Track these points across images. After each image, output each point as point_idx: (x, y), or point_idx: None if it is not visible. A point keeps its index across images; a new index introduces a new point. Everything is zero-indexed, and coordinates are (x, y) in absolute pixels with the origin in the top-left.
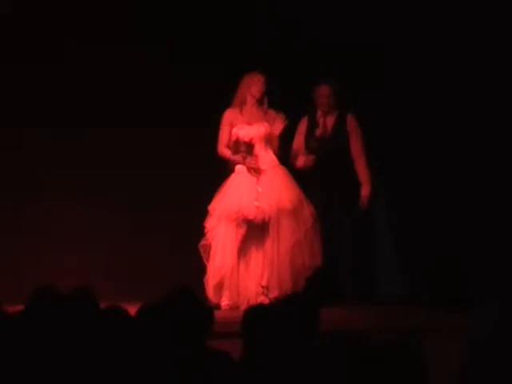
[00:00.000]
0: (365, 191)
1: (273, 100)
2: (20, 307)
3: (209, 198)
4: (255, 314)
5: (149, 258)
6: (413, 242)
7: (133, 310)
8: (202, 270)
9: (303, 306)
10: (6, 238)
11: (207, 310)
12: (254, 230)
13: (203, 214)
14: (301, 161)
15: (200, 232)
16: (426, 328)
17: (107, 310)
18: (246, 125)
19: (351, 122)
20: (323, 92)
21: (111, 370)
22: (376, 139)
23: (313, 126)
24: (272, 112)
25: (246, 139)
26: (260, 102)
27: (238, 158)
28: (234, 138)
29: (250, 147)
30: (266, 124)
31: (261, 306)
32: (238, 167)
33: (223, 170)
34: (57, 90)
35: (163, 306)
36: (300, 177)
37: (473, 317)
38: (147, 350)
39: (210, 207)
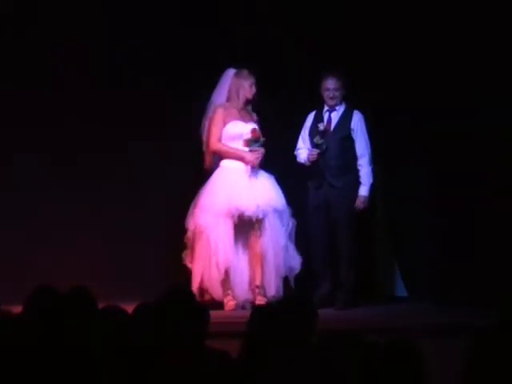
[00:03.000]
0: (362, 191)
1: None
2: (20, 307)
3: None
4: (262, 313)
5: (148, 258)
6: (413, 242)
7: (131, 309)
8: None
9: (301, 306)
10: (5, 238)
11: (202, 308)
12: (242, 229)
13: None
14: (303, 155)
15: None
16: (426, 328)
17: (105, 309)
18: (240, 121)
19: (356, 117)
20: (329, 85)
21: (110, 370)
22: (377, 139)
23: (318, 121)
24: (253, 114)
25: (249, 133)
26: (249, 102)
27: (238, 151)
28: (226, 135)
29: (252, 140)
30: (255, 125)
31: (267, 305)
32: (225, 162)
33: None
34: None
35: (158, 305)
36: (300, 173)
37: (474, 317)
38: (145, 350)
39: (202, 203)
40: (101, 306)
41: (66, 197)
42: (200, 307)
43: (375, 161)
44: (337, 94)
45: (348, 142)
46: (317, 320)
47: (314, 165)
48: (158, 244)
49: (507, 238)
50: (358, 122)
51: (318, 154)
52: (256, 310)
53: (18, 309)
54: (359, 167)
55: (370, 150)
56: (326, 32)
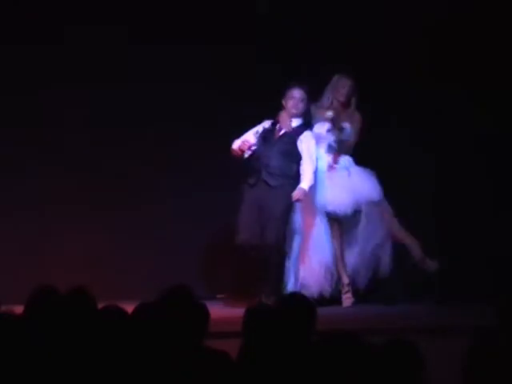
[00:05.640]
0: (303, 185)
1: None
2: (20, 307)
3: (208, 200)
4: (255, 313)
5: (149, 258)
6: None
7: (131, 309)
8: (201, 268)
9: (301, 306)
10: (5, 238)
11: (202, 308)
12: None
13: (204, 214)
14: (238, 142)
15: (199, 231)
16: (426, 328)
17: (105, 309)
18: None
19: (307, 132)
20: (296, 94)
21: (109, 370)
22: (376, 138)
23: (273, 130)
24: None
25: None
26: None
27: None
28: None
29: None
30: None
31: (261, 305)
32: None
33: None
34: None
35: (158, 305)
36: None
37: (474, 317)
38: (145, 350)
39: None
40: (101, 306)
41: (66, 197)
42: (200, 307)
43: (374, 161)
44: (300, 105)
45: (292, 145)
46: (317, 320)
47: (253, 162)
48: (158, 244)
49: (507, 238)
50: (307, 135)
51: (249, 147)
52: (248, 310)
53: (17, 309)
54: (302, 170)
55: (315, 164)
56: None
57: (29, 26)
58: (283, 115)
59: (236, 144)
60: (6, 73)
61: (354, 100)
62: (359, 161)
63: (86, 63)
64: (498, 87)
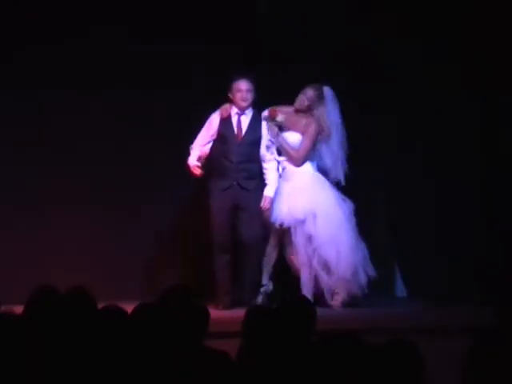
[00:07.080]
0: (269, 192)
1: None
2: (20, 307)
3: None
4: (256, 314)
5: (148, 258)
6: (413, 242)
7: (131, 309)
8: (202, 269)
9: (301, 306)
10: (5, 238)
11: (202, 308)
12: None
13: (204, 214)
14: (193, 159)
15: (199, 231)
16: (426, 328)
17: (104, 309)
18: None
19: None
20: (242, 86)
21: (109, 370)
22: (378, 140)
23: (226, 125)
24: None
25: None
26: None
27: None
28: None
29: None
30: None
31: (261, 306)
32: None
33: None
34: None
35: (158, 305)
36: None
37: (474, 317)
38: (145, 350)
39: None
40: (101, 306)
41: (66, 197)
42: (199, 307)
43: (378, 162)
44: (249, 96)
45: (256, 146)
46: (316, 320)
47: (221, 166)
48: (159, 244)
49: (507, 238)
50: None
51: (203, 172)
52: (251, 310)
53: (17, 309)
54: (265, 170)
55: (276, 166)
56: None
57: (29, 26)
58: (234, 110)
59: (193, 162)
60: (6, 73)
61: (309, 106)
62: (357, 163)
63: (86, 63)
64: (499, 87)
